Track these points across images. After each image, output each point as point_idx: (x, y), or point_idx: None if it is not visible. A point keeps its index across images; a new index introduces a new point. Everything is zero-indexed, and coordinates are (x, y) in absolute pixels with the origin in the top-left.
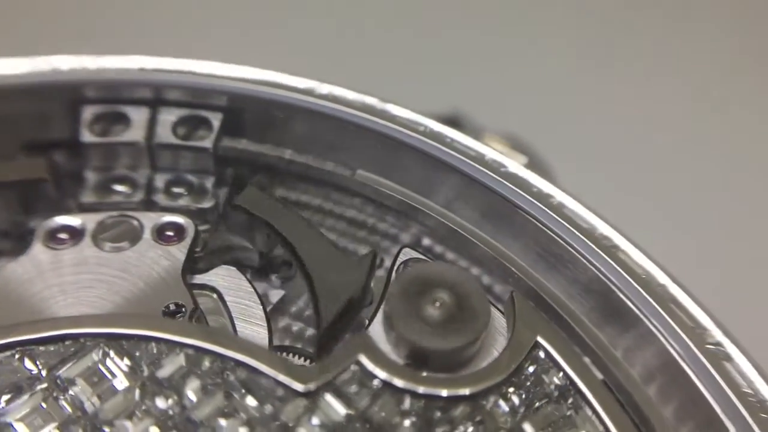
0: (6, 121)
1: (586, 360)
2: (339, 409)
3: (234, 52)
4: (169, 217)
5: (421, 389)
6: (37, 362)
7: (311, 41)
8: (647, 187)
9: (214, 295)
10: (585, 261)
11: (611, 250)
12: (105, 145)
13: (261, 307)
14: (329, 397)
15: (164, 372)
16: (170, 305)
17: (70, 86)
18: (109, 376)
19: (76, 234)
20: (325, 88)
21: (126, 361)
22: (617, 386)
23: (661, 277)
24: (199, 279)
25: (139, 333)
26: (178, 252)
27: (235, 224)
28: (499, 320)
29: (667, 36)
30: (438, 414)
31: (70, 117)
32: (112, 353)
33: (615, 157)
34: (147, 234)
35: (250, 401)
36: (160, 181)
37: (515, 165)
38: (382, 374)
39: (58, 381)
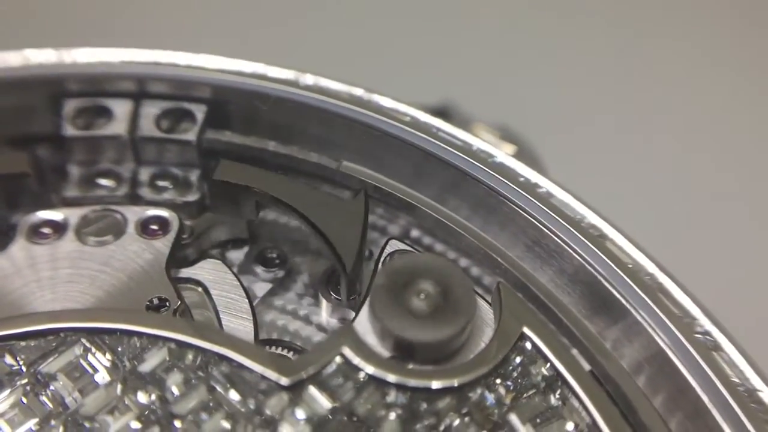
0: None
1: (574, 351)
2: (323, 402)
3: (222, 45)
4: (153, 211)
5: (405, 381)
6: (18, 357)
7: (301, 32)
8: (639, 177)
9: (200, 289)
10: (571, 251)
11: (599, 239)
12: (88, 139)
13: (247, 300)
14: (313, 390)
15: (146, 366)
16: (154, 299)
17: (51, 79)
18: (90, 370)
19: (59, 229)
20: (309, 79)
21: (108, 355)
22: (605, 377)
23: (650, 267)
24: (184, 273)
25: (121, 327)
26: (163, 246)
27: (220, 201)
28: (487, 312)
29: (657, 26)
30: (424, 406)
31: (52, 111)
32: (93, 348)
33: (607, 148)
34: (131, 228)
35: (234, 395)
36: (144, 174)
37: (502, 155)
38: (366, 367)
39: (39, 376)
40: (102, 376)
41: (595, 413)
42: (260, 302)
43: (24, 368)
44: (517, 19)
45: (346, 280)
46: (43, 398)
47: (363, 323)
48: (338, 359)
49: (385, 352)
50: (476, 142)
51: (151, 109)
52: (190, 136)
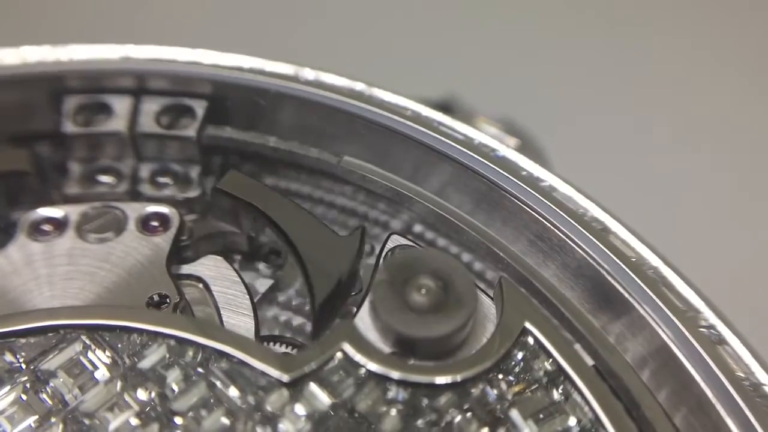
0: None
1: (577, 346)
2: (323, 398)
3: (223, 40)
4: (153, 207)
5: (406, 377)
6: (18, 355)
7: (303, 27)
8: (643, 170)
9: (201, 285)
10: (574, 245)
11: (602, 233)
12: (88, 136)
13: (248, 296)
14: (314, 387)
15: (146, 363)
16: (154, 296)
17: (51, 77)
18: (90, 367)
19: (59, 225)
20: (310, 74)
21: (107, 352)
22: (608, 372)
23: (653, 260)
24: (185, 269)
25: (121, 324)
26: (163, 242)
27: (221, 210)
28: (489, 307)
29: (661, 19)
30: (425, 402)
31: (52, 108)
32: (93, 345)
33: (611, 141)
34: (131, 224)
35: (233, 392)
36: (144, 171)
37: (505, 148)
38: (366, 363)
39: (39, 373)
40: (102, 373)
41: (598, 408)
42: (261, 298)
43: (24, 365)
44: (521, 13)
45: (312, 316)
46: (43, 395)
47: (364, 319)
48: (339, 355)
49: (386, 348)
50: (478, 136)
51: (151, 106)
52: (190, 132)
